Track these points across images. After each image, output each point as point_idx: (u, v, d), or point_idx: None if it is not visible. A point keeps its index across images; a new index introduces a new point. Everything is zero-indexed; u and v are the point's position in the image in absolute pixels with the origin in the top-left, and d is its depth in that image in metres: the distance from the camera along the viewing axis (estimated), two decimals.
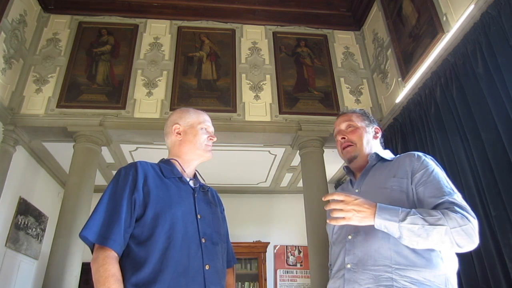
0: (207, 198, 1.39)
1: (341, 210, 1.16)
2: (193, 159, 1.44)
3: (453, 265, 1.22)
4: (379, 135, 1.55)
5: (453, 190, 1.23)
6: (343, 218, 1.16)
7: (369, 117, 1.58)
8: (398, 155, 1.44)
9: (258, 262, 5.55)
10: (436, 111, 3.27)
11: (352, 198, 1.16)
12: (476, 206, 2.68)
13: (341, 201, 1.16)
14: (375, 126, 1.56)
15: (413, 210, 1.16)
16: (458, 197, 1.21)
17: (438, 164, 1.33)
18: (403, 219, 1.13)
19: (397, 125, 3.94)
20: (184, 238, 1.21)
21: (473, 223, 1.13)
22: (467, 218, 1.13)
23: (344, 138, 1.50)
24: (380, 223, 1.14)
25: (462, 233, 1.11)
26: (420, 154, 1.36)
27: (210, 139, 1.47)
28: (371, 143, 1.50)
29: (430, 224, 1.12)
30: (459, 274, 2.73)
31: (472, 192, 2.73)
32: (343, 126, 1.54)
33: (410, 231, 1.12)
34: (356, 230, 1.27)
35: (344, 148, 1.49)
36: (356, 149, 1.47)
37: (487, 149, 2.61)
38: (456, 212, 1.14)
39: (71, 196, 3.54)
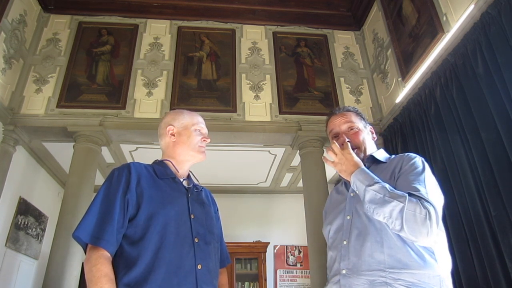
0: (200, 198, 1.40)
1: (335, 155, 1.33)
2: (186, 160, 1.45)
3: (447, 266, 1.21)
4: (374, 135, 1.54)
5: (425, 189, 1.20)
6: (333, 162, 1.35)
7: (364, 116, 1.56)
8: (393, 156, 1.42)
9: (258, 262, 5.55)
10: (436, 111, 3.26)
11: (345, 152, 1.32)
12: (476, 206, 2.68)
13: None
14: (370, 126, 1.55)
15: (389, 184, 1.21)
16: (426, 195, 1.18)
17: (428, 167, 1.31)
18: (371, 185, 1.21)
19: (397, 125, 3.94)
20: (177, 237, 1.21)
21: (433, 220, 1.12)
22: (428, 212, 1.12)
23: (348, 141, 1.46)
24: (353, 181, 1.27)
25: (413, 219, 1.11)
26: (412, 154, 1.35)
27: (204, 140, 1.48)
28: (372, 145, 1.49)
29: (391, 197, 1.16)
30: (458, 274, 2.74)
31: (472, 192, 2.73)
32: (344, 127, 1.48)
33: (371, 197, 1.19)
34: (351, 236, 1.28)
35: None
36: (359, 153, 1.44)
37: (487, 149, 2.61)
38: (422, 203, 1.14)
39: (71, 196, 3.54)
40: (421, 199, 1.15)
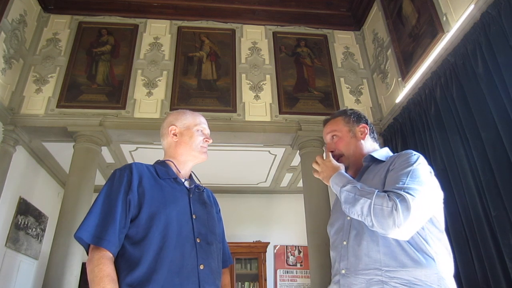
0: (202, 199, 1.40)
1: (318, 165, 1.42)
2: (188, 160, 1.45)
3: (448, 266, 1.20)
4: (367, 133, 1.50)
5: (404, 184, 1.18)
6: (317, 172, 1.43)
7: (352, 116, 1.52)
8: (393, 154, 1.42)
9: (258, 262, 5.55)
10: (436, 111, 3.26)
11: (325, 161, 1.41)
12: (476, 206, 2.67)
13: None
14: (361, 124, 1.51)
15: (360, 184, 1.25)
16: (406, 191, 1.15)
17: (422, 163, 1.28)
18: (345, 186, 1.27)
19: (397, 125, 3.94)
20: (179, 238, 1.21)
21: (399, 212, 1.10)
22: (395, 203, 1.12)
23: (333, 151, 1.49)
24: (332, 185, 1.34)
25: (380, 212, 1.13)
26: (410, 151, 1.33)
27: (206, 141, 1.48)
28: (361, 145, 1.47)
29: (360, 195, 1.20)
30: (458, 275, 2.74)
31: (472, 192, 2.73)
32: (328, 138, 1.53)
33: (345, 198, 1.25)
34: (350, 236, 1.29)
35: (338, 159, 1.48)
36: (345, 158, 1.46)
37: (487, 149, 2.61)
38: (389, 196, 1.15)
39: (71, 196, 3.54)
40: (390, 192, 1.16)
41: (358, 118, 1.53)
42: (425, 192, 1.18)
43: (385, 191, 1.19)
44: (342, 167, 1.39)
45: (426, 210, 1.17)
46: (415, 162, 1.26)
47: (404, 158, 1.29)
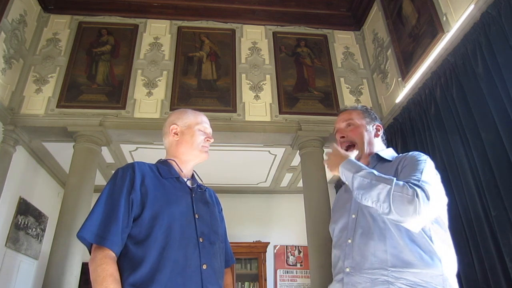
0: (204, 198, 1.40)
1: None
2: (189, 159, 1.45)
3: (452, 266, 1.21)
4: (381, 132, 1.53)
5: (425, 181, 1.18)
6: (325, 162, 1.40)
7: (371, 114, 1.55)
8: (399, 155, 1.43)
9: (258, 262, 5.55)
10: (436, 111, 3.26)
11: (333, 151, 1.37)
12: (476, 206, 2.67)
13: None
14: (377, 123, 1.54)
15: (375, 171, 1.23)
16: (422, 183, 1.16)
17: (431, 163, 1.31)
18: (358, 171, 1.23)
19: (397, 125, 3.94)
20: (182, 237, 1.21)
21: (420, 199, 1.11)
22: (415, 191, 1.12)
23: (343, 137, 1.48)
24: (342, 171, 1.29)
25: (400, 199, 1.11)
26: (418, 152, 1.35)
27: (207, 140, 1.48)
28: (373, 142, 1.49)
29: (378, 181, 1.17)
30: (458, 274, 2.74)
31: (472, 192, 2.73)
32: (342, 124, 1.52)
33: (359, 183, 1.21)
34: (355, 235, 1.29)
35: (346, 150, 1.47)
36: (357, 148, 1.46)
37: (487, 149, 2.61)
38: (409, 184, 1.15)
39: (71, 196, 3.54)
40: (408, 182, 1.16)
41: (375, 117, 1.56)
42: (437, 187, 1.21)
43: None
44: (351, 155, 1.37)
45: (439, 203, 1.20)
46: (425, 162, 1.29)
47: (414, 158, 1.31)
